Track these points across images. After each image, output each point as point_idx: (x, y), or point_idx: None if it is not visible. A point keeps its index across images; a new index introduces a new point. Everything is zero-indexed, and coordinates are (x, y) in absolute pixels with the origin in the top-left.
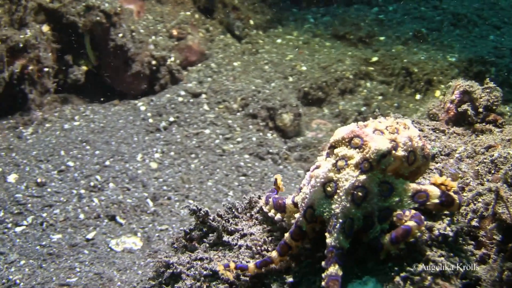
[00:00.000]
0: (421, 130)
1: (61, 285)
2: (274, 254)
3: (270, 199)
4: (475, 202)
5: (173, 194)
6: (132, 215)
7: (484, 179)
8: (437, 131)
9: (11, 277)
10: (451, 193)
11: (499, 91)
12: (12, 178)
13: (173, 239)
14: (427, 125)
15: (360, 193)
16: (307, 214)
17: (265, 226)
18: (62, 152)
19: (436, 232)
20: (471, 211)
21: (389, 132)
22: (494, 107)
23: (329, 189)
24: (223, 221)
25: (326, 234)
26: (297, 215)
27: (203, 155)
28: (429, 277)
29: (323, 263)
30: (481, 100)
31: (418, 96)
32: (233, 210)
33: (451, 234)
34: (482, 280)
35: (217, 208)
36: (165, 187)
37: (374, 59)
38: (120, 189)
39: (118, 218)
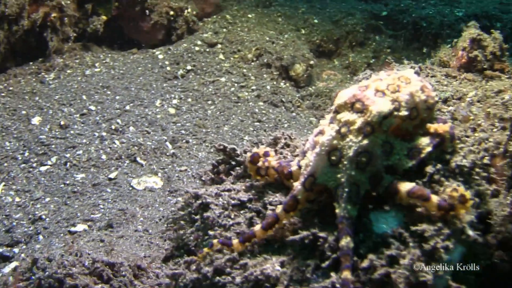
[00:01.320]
0: (433, 76)
1: (85, 221)
2: (257, 228)
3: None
4: (486, 142)
5: (191, 138)
6: (152, 156)
7: (495, 120)
8: (449, 77)
9: (37, 212)
10: (440, 132)
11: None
12: (36, 120)
13: (201, 173)
14: (439, 71)
15: (364, 159)
16: (307, 182)
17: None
18: (84, 97)
19: (453, 164)
20: (483, 150)
21: (390, 91)
22: (502, 55)
23: (333, 157)
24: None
25: (335, 204)
26: (296, 184)
27: (219, 102)
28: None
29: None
30: (490, 47)
31: (425, 50)
32: (259, 145)
33: (467, 164)
34: (493, 214)
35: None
36: (183, 131)
37: (384, 13)
38: (140, 132)
39: (138, 159)
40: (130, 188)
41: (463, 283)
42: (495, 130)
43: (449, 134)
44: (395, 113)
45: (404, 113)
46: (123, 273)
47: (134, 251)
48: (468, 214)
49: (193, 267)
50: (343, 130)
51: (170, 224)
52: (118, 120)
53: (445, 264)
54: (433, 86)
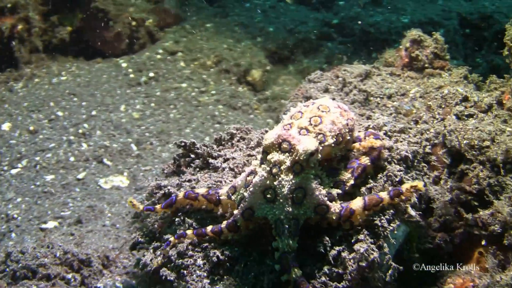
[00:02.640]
0: (379, 75)
1: (56, 218)
2: (208, 229)
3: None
4: (427, 132)
5: (154, 140)
6: (118, 158)
7: (435, 112)
8: (394, 75)
9: (9, 212)
10: (375, 145)
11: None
12: (6, 126)
13: (164, 166)
14: (385, 71)
15: (299, 194)
16: (245, 213)
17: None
18: (52, 103)
19: (397, 155)
20: (424, 140)
21: (313, 125)
22: (442, 54)
23: (269, 196)
24: (208, 148)
25: (276, 237)
26: (235, 212)
27: (181, 106)
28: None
29: (277, 266)
30: (431, 48)
31: (374, 54)
32: (218, 141)
33: (410, 155)
34: (435, 199)
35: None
36: (147, 134)
37: (335, 21)
38: (106, 135)
39: (105, 160)
40: (98, 187)
41: (409, 262)
42: (435, 121)
43: (380, 146)
44: (322, 145)
45: (330, 141)
46: (93, 263)
47: (103, 243)
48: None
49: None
50: (274, 170)
51: (136, 215)
52: (85, 125)
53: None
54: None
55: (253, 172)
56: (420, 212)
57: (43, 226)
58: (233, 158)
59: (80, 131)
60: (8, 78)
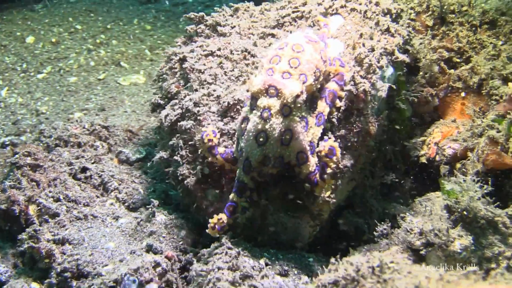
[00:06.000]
0: None
1: (81, 110)
2: (223, 216)
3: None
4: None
5: (166, 46)
6: (134, 61)
7: None
8: None
9: (38, 108)
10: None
11: None
12: (29, 39)
13: (178, 39)
14: None
15: (287, 136)
16: (245, 167)
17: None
18: (71, 19)
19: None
20: (410, 8)
21: (293, 68)
22: None
23: (261, 139)
24: (217, 17)
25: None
26: (237, 171)
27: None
28: None
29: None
30: None
31: None
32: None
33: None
34: (421, 58)
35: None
36: (159, 41)
37: None
38: (122, 43)
39: (122, 63)
40: (118, 84)
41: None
42: None
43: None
44: (305, 85)
45: (311, 80)
46: (118, 133)
47: (125, 123)
48: (397, 38)
49: (177, 106)
50: (265, 114)
51: (156, 80)
52: (102, 36)
53: (380, 77)
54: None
55: (245, 119)
56: (407, 55)
57: (70, 116)
58: (239, 25)
59: (98, 41)
60: (29, 1)
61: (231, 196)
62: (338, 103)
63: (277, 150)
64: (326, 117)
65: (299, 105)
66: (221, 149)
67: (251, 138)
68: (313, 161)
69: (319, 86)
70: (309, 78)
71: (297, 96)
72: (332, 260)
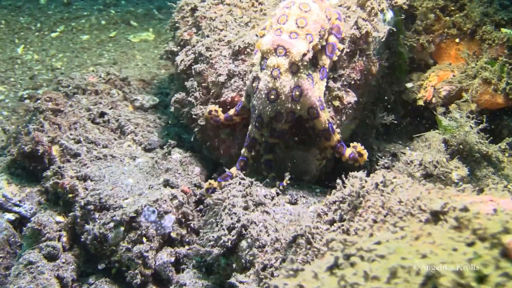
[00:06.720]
0: None
1: (95, 65)
2: (233, 170)
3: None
4: None
5: (173, 5)
6: (143, 20)
7: None
8: None
9: (53, 64)
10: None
11: None
12: (43, 0)
13: None
14: None
15: (297, 92)
16: (257, 123)
17: None
18: None
19: None
20: None
21: (300, 28)
22: None
23: (272, 96)
24: None
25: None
26: (250, 127)
27: None
28: None
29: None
30: None
31: None
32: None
33: None
34: (417, 7)
35: None
36: (167, 1)
37: None
38: (131, 4)
39: (132, 22)
40: (128, 41)
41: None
42: None
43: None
44: (311, 44)
45: (316, 40)
46: (132, 82)
47: (138, 73)
48: None
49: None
50: (275, 73)
51: (169, 27)
52: None
53: (382, 20)
54: None
55: (256, 78)
56: (406, 1)
57: (84, 71)
58: None
59: (108, 1)
60: None
61: (243, 150)
62: (341, 46)
63: (288, 106)
64: (327, 70)
65: (306, 63)
66: (231, 111)
67: (263, 96)
68: (324, 116)
69: (324, 43)
70: (315, 37)
71: (304, 54)
72: (338, 181)
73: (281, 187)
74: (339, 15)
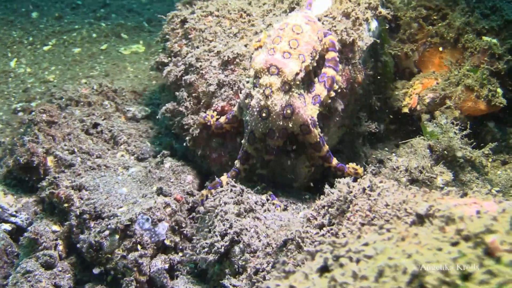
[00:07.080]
0: None
1: (86, 77)
2: (223, 178)
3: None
4: None
5: (163, 18)
6: (133, 32)
7: None
8: None
9: (46, 76)
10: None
11: None
12: (34, 14)
13: (177, 3)
14: None
15: (288, 111)
16: (249, 138)
17: None
18: None
19: None
20: None
21: (293, 48)
22: None
23: (264, 114)
24: None
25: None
26: (243, 141)
27: None
28: None
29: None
30: None
31: None
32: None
33: None
34: (400, 16)
35: None
36: (156, 14)
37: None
38: (121, 17)
39: (123, 34)
40: (119, 54)
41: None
42: None
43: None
44: (303, 64)
45: (308, 61)
46: (124, 93)
47: (130, 85)
48: None
49: (180, 62)
50: (267, 92)
51: (160, 39)
52: (102, 10)
53: (366, 29)
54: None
55: (249, 95)
56: (389, 11)
57: (77, 83)
58: None
59: (98, 15)
60: None
61: (236, 162)
62: (339, 78)
63: (279, 123)
64: (322, 100)
65: (298, 82)
66: (222, 119)
67: (255, 113)
68: (316, 132)
69: (315, 64)
70: (307, 58)
71: (297, 74)
72: (327, 186)
73: (273, 201)
74: (334, 45)
